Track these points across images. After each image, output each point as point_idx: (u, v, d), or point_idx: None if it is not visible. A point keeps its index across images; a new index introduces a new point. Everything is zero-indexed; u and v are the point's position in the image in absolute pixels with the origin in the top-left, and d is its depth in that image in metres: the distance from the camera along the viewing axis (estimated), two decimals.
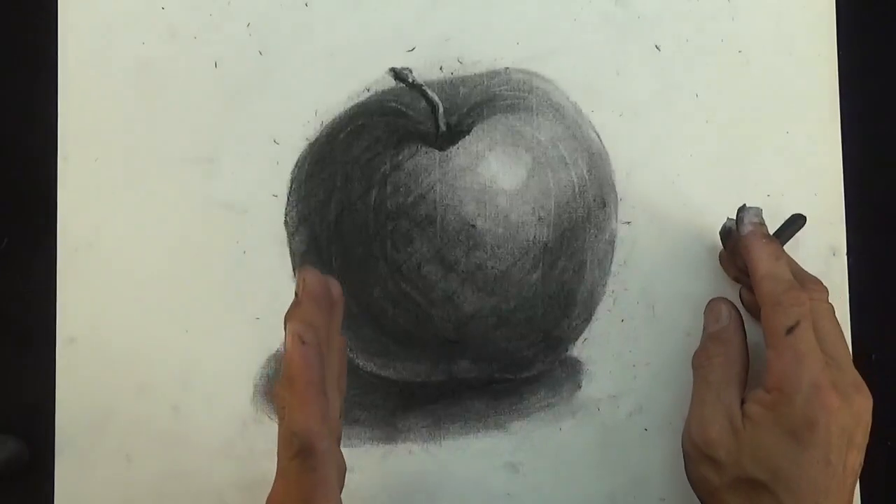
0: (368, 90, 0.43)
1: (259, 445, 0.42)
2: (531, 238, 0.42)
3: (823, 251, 0.44)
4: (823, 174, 0.44)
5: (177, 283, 0.42)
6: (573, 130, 0.43)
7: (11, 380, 0.42)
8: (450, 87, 0.43)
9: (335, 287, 0.35)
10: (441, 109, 0.42)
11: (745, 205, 0.40)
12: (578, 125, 0.43)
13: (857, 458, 0.36)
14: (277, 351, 0.42)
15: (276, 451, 0.32)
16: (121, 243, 0.42)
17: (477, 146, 0.42)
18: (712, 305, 0.41)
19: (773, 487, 0.35)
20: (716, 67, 0.44)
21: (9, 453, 0.41)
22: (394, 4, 0.43)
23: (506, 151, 0.42)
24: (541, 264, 0.42)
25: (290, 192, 0.43)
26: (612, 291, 0.43)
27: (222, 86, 0.43)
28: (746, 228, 0.40)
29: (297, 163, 0.43)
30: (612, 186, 0.43)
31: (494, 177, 0.41)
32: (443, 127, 0.42)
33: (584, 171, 0.43)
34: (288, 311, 0.33)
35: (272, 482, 0.32)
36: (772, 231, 0.40)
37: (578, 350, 0.43)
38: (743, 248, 0.40)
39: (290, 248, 0.42)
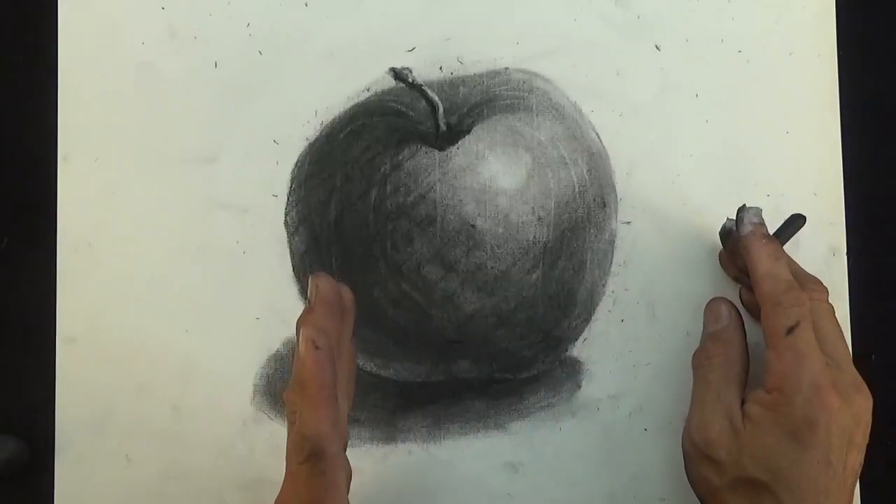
0: (368, 90, 0.43)
1: (259, 445, 0.42)
2: (531, 238, 0.42)
3: (823, 251, 0.44)
4: (823, 174, 0.44)
5: (177, 283, 0.42)
6: (573, 130, 0.43)
7: (11, 380, 0.42)
8: (450, 87, 0.43)
9: (347, 294, 0.36)
10: (441, 109, 0.42)
11: (744, 205, 0.40)
12: (578, 125, 0.43)
13: (857, 459, 0.36)
14: (277, 351, 0.42)
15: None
16: (121, 243, 0.42)
17: (477, 146, 0.42)
18: (712, 305, 0.41)
19: (773, 487, 0.35)
20: (716, 67, 0.44)
21: (9, 453, 0.41)
22: (394, 4, 0.43)
23: (506, 151, 0.42)
24: (541, 264, 0.42)
25: (290, 192, 0.43)
26: (612, 291, 0.43)
27: (222, 86, 0.43)
28: (746, 228, 0.40)
29: (297, 163, 0.43)
30: (612, 186, 0.43)
31: (494, 177, 0.41)
32: (443, 127, 0.42)
33: (584, 171, 0.43)
34: (300, 317, 0.33)
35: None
36: (772, 231, 0.40)
37: (578, 350, 0.43)
38: (743, 248, 0.40)
39: (290, 248, 0.42)
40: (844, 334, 0.38)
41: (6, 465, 0.41)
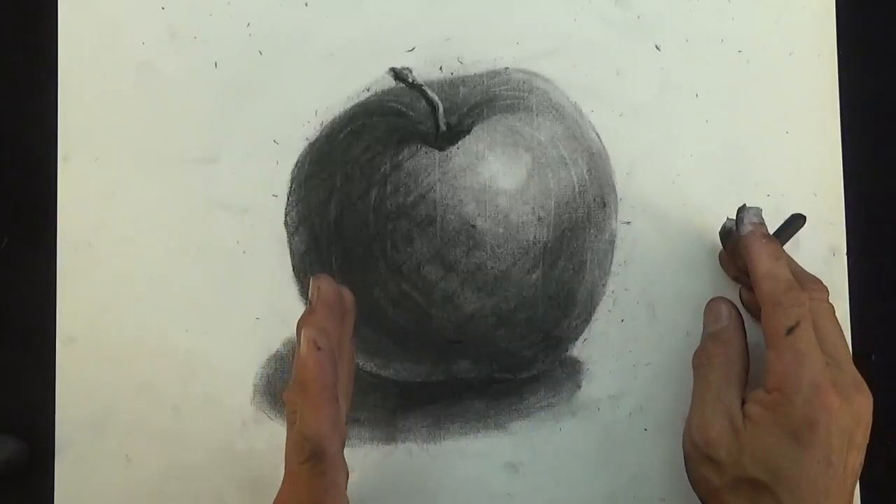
0: (368, 90, 0.43)
1: (259, 445, 0.42)
2: (531, 238, 0.42)
3: (823, 251, 0.44)
4: (823, 174, 0.44)
5: (177, 283, 0.42)
6: (573, 130, 0.43)
7: (11, 380, 0.42)
8: (450, 87, 0.43)
9: (347, 295, 0.36)
10: (441, 109, 0.42)
11: (744, 205, 0.40)
12: (578, 125, 0.43)
13: (857, 458, 0.36)
14: (277, 351, 0.42)
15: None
16: (121, 243, 0.42)
17: (477, 146, 0.42)
18: (712, 305, 0.41)
19: (773, 487, 0.35)
20: (716, 67, 0.44)
21: (9, 453, 0.41)
22: (394, 4, 0.43)
23: (506, 151, 0.42)
24: (541, 264, 0.42)
25: (290, 192, 0.43)
26: (612, 291, 0.43)
27: (222, 86, 0.43)
28: (746, 228, 0.40)
29: (297, 163, 0.43)
30: (612, 186, 0.43)
31: (494, 177, 0.41)
32: (443, 127, 0.42)
33: (584, 171, 0.43)
34: (301, 318, 0.33)
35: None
36: (772, 231, 0.40)
37: (578, 350, 0.43)
38: (743, 248, 0.40)
39: (290, 248, 0.42)
40: (844, 334, 0.38)
41: (6, 465, 0.41)
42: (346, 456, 0.35)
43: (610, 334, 0.43)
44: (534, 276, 0.42)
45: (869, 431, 0.37)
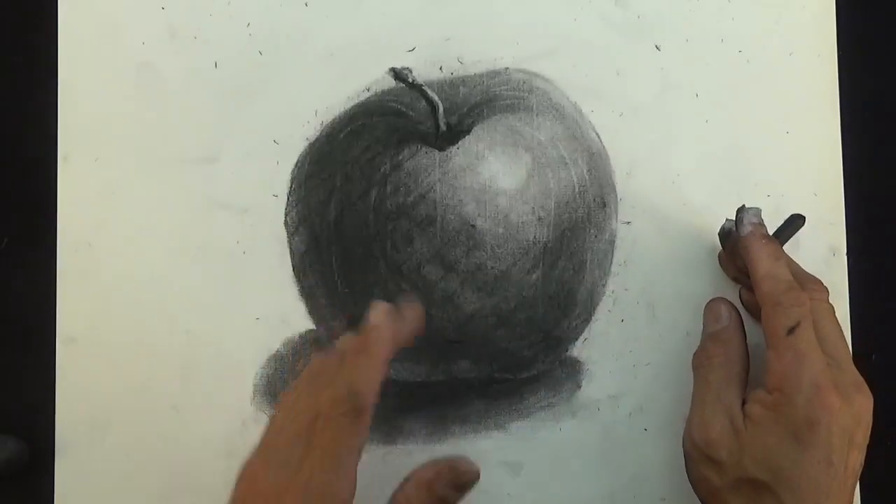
0: (368, 90, 0.43)
1: None
2: (531, 238, 0.42)
3: (823, 251, 0.44)
4: (823, 174, 0.44)
5: (177, 283, 0.42)
6: (573, 130, 0.43)
7: (11, 380, 0.42)
8: (450, 87, 0.43)
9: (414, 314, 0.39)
10: (441, 109, 0.42)
11: (744, 205, 0.40)
12: (578, 125, 0.43)
13: (857, 459, 0.36)
14: (277, 351, 0.42)
15: None
16: (121, 243, 0.42)
17: (477, 146, 0.42)
18: (712, 305, 0.41)
19: (774, 488, 0.35)
20: (716, 67, 0.44)
21: (9, 453, 0.41)
22: (394, 4, 0.43)
23: (506, 151, 0.42)
24: (541, 264, 0.42)
25: (290, 192, 0.43)
26: (612, 291, 0.43)
27: (222, 86, 0.43)
28: (746, 229, 0.40)
29: (297, 163, 0.43)
30: (612, 186, 0.43)
31: (494, 177, 0.41)
32: (443, 127, 0.42)
33: (584, 171, 0.43)
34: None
35: None
36: (772, 231, 0.40)
37: (578, 350, 0.43)
38: (742, 248, 0.40)
39: (290, 248, 0.42)
40: (844, 334, 0.38)
41: (6, 465, 0.41)
42: None
43: (610, 334, 0.43)
44: (534, 276, 0.42)
45: (869, 431, 0.37)
